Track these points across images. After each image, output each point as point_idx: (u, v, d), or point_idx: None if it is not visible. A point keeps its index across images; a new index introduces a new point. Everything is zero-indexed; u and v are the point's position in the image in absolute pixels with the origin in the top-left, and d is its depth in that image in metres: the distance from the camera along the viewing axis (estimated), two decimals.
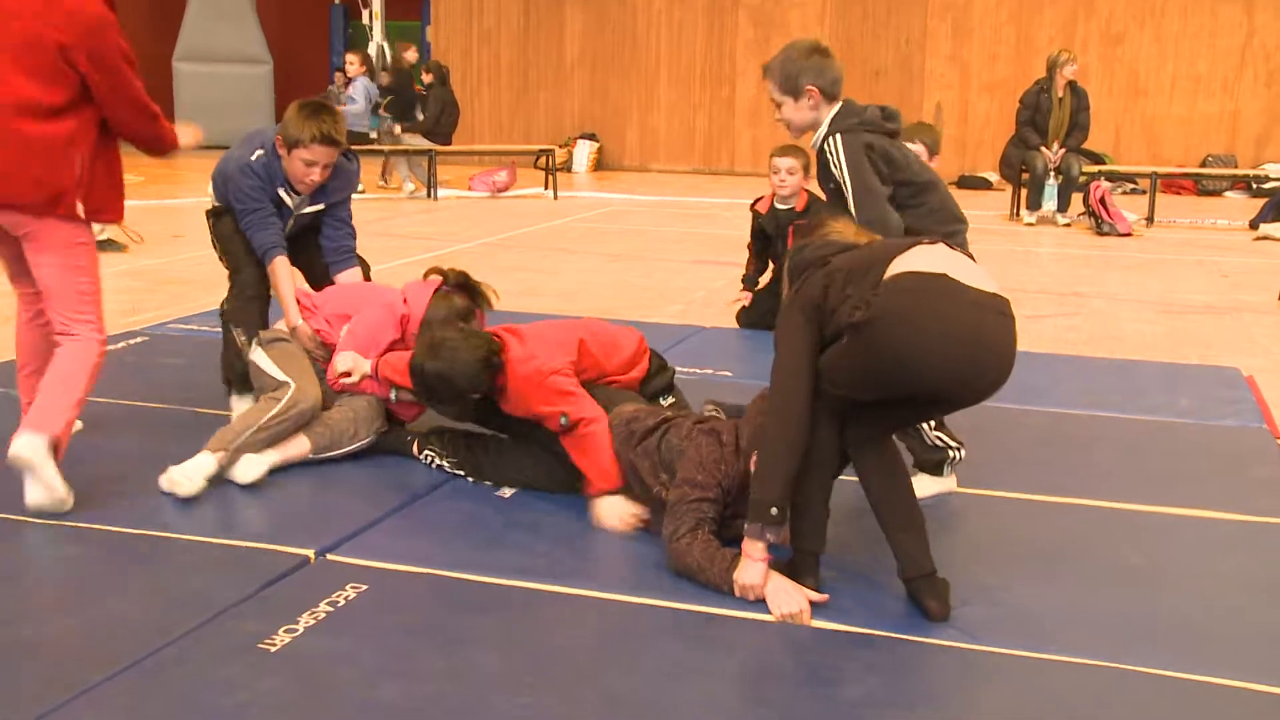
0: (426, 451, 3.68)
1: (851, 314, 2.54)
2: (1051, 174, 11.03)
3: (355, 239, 4.37)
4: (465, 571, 2.89)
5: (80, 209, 3.31)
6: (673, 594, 2.79)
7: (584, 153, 17.00)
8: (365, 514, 3.28)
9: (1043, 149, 10.95)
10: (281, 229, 4.15)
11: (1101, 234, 10.37)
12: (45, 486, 3.17)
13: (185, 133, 3.67)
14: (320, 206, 4.25)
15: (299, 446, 3.64)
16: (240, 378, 4.14)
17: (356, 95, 12.61)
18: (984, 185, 14.90)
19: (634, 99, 17.32)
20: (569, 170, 16.47)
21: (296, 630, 2.54)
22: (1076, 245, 9.81)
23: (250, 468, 3.51)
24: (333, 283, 4.29)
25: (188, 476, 3.38)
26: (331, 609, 2.65)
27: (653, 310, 6.56)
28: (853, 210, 3.29)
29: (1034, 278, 7.99)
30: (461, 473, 3.59)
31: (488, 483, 3.53)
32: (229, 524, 3.16)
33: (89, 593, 2.73)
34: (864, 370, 2.61)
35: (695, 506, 2.89)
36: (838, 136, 3.39)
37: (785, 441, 2.66)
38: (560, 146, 16.01)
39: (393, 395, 3.80)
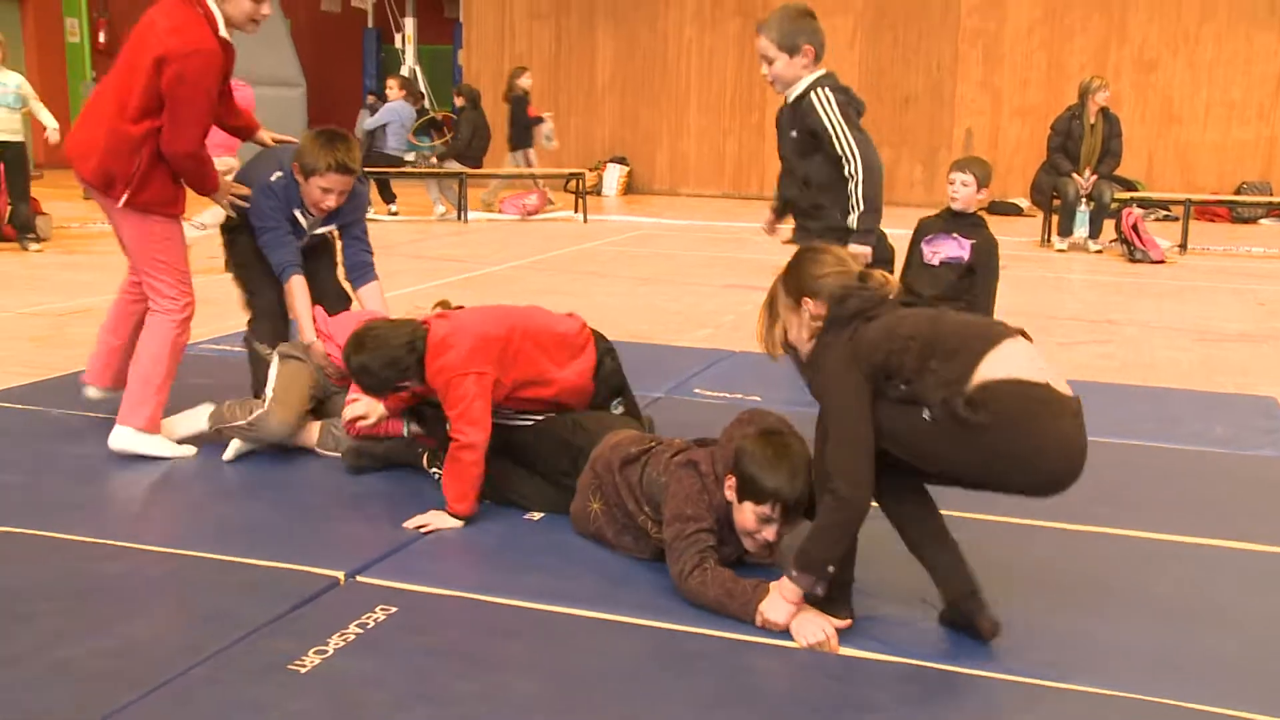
0: (434, 469, 3.70)
1: (950, 401, 2.51)
2: (1083, 200, 10.99)
3: (372, 254, 4.45)
4: (495, 595, 2.89)
5: (125, 199, 3.81)
6: (702, 620, 2.77)
7: (614, 176, 17.07)
8: (395, 536, 3.28)
9: (1074, 175, 10.90)
10: (298, 248, 4.25)
11: (1134, 261, 10.31)
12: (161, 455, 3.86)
13: (223, 192, 4.08)
14: (332, 227, 4.37)
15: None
16: None
17: (385, 116, 12.67)
18: (1015, 211, 14.86)
19: (664, 124, 17.38)
20: (599, 194, 16.54)
21: (326, 652, 2.54)
22: (1109, 272, 9.76)
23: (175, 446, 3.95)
24: (341, 299, 4.42)
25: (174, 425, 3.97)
26: (361, 631, 2.65)
27: (682, 334, 6.57)
28: (843, 150, 3.59)
29: (1066, 305, 7.95)
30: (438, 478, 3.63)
31: (486, 501, 3.52)
32: (259, 544, 3.17)
33: (121, 612, 2.74)
34: (960, 460, 2.58)
35: (694, 539, 2.88)
36: (827, 89, 3.72)
37: (856, 508, 2.61)
38: (590, 170, 16.08)
39: (405, 431, 3.87)
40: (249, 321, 4.46)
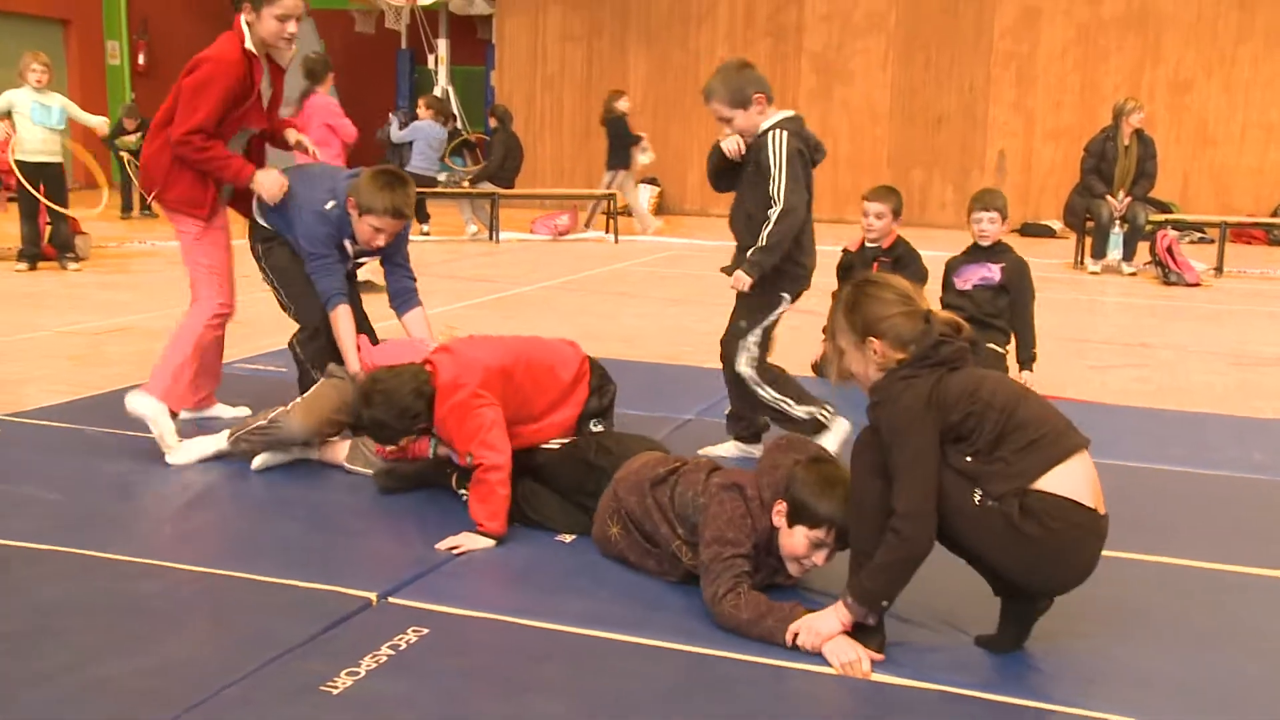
0: (463, 491, 3.71)
1: (1007, 501, 2.58)
2: (1117, 222, 10.92)
3: (415, 281, 4.53)
4: (527, 617, 2.89)
5: (155, 195, 4.33)
6: (736, 645, 2.77)
7: (645, 197, 17.10)
8: (426, 556, 3.29)
9: (1108, 197, 10.84)
10: (345, 276, 4.32)
11: (1169, 284, 10.24)
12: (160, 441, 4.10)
13: (269, 181, 4.28)
14: (375, 257, 4.45)
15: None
16: None
17: (411, 135, 12.71)
18: (1048, 233, 14.78)
19: (695, 144, 17.40)
20: (630, 214, 16.57)
21: (359, 673, 2.55)
22: (1143, 295, 9.69)
23: (182, 453, 4.09)
24: (363, 322, 4.46)
25: (187, 449, 4.10)
26: (393, 652, 2.66)
27: (712, 355, 6.50)
28: (774, 191, 4.01)
29: (1099, 327, 7.90)
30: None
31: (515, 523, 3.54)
32: (292, 564, 3.18)
33: (156, 631, 2.76)
34: (988, 546, 2.64)
35: (730, 564, 2.88)
36: (785, 132, 4.04)
37: (920, 549, 2.61)
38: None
39: (432, 452, 3.93)
40: (298, 334, 4.46)
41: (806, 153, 4.12)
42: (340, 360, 4.26)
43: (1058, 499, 2.58)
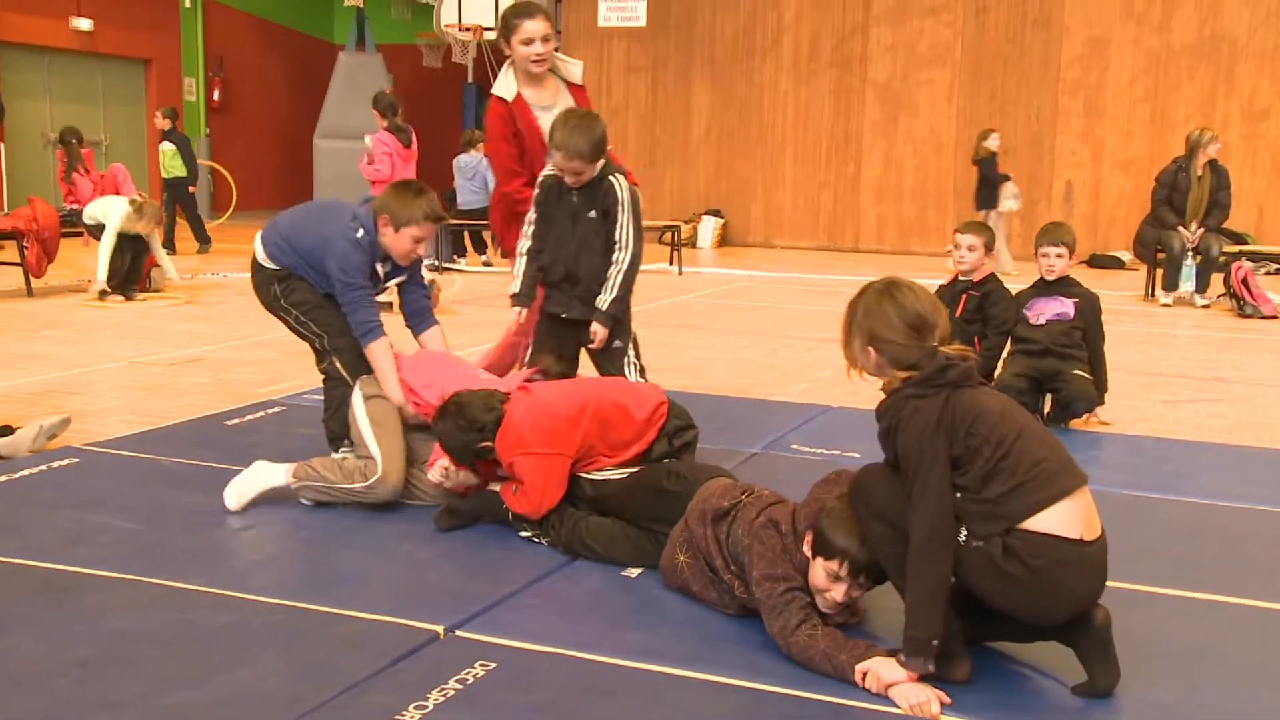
0: (522, 529, 3.73)
1: (990, 543, 2.61)
2: (1189, 254, 10.74)
3: (430, 298, 4.64)
4: (594, 652, 2.88)
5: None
6: (801, 683, 2.73)
7: (709, 228, 17.13)
8: (493, 590, 3.29)
9: (1180, 228, 10.66)
10: (377, 309, 4.31)
11: (1244, 316, 10.03)
12: None
13: None
14: (402, 277, 4.48)
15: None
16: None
17: (464, 166, 12.80)
18: (1116, 265, 14.58)
19: (759, 176, 17.43)
20: (694, 246, 16.61)
21: (426, 707, 2.55)
22: (1217, 328, 9.50)
23: (236, 495, 3.96)
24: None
25: (244, 488, 3.96)
26: (460, 686, 2.66)
27: (777, 388, 6.53)
28: (620, 237, 4.38)
29: (1172, 361, 7.75)
30: (545, 542, 3.67)
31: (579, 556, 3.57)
32: (360, 597, 3.20)
33: (226, 661, 2.78)
34: (975, 582, 2.67)
35: (793, 597, 2.87)
36: (621, 176, 4.44)
37: (942, 580, 2.61)
38: (685, 222, 16.16)
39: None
40: (339, 360, 4.39)
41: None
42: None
43: (1041, 537, 2.59)
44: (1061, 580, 2.61)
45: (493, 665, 2.78)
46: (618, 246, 4.45)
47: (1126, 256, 14.30)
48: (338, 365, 4.40)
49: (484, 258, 13.03)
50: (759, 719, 2.61)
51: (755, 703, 2.67)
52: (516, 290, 4.60)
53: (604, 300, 4.49)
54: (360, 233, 4.24)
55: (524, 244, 4.60)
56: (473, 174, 12.70)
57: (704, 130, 17.63)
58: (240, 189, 17.36)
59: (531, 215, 4.58)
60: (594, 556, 3.55)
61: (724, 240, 17.30)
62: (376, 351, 4.19)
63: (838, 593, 2.88)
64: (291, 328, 4.49)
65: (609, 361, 4.70)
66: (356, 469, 3.95)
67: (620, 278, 4.48)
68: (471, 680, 2.69)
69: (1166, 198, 10.77)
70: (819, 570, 2.88)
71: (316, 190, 17.05)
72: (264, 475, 3.99)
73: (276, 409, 5.51)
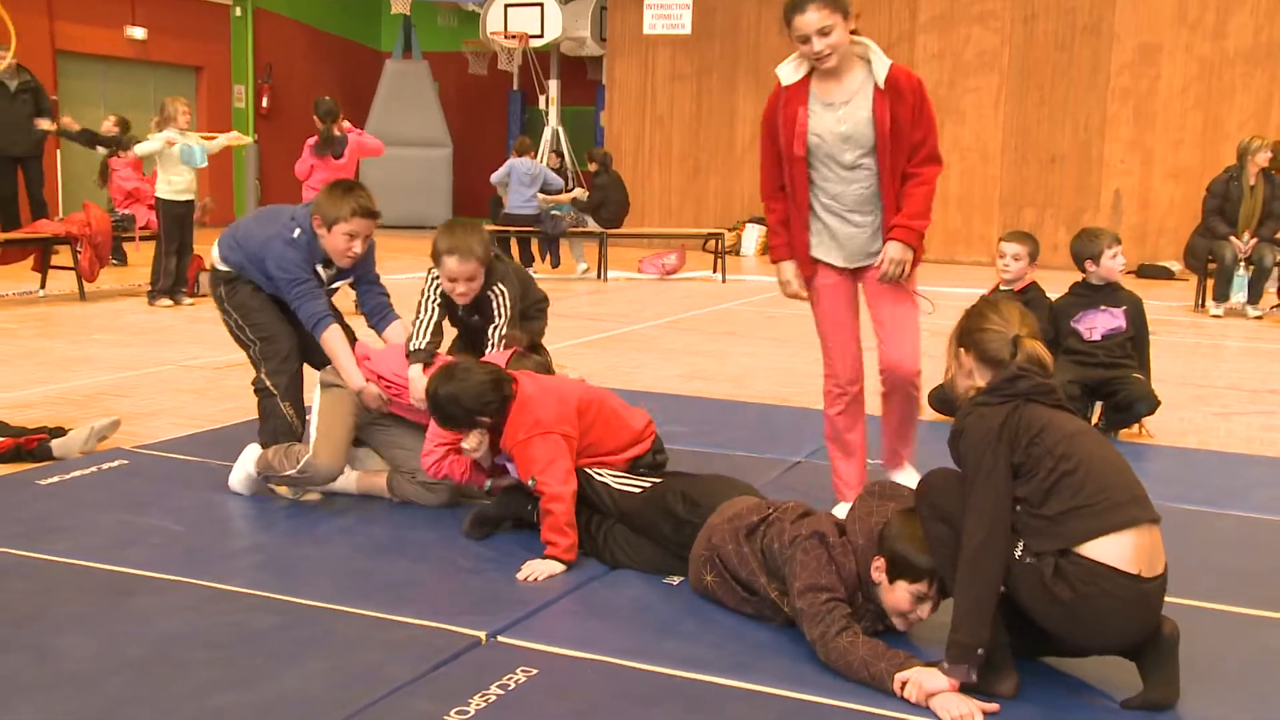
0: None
1: (1042, 561, 2.59)
2: (1241, 264, 10.58)
3: (389, 297, 4.59)
4: (636, 660, 2.88)
5: None
6: (840, 692, 2.72)
7: (753, 236, 17.10)
8: (535, 596, 3.30)
9: (1232, 238, 10.52)
10: (328, 300, 4.34)
11: None
12: None
13: None
14: (348, 280, 4.50)
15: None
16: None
17: (506, 173, 12.81)
18: (1166, 275, 14.41)
19: None
20: (737, 253, 16.58)
21: (468, 712, 2.56)
22: (1270, 339, 9.36)
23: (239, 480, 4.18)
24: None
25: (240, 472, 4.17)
26: (502, 692, 2.67)
27: (821, 397, 6.48)
28: (494, 339, 4.23)
29: (1223, 373, 7.64)
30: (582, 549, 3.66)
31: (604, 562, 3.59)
32: (403, 602, 3.22)
33: (272, 665, 2.81)
34: (1025, 600, 2.65)
35: (833, 606, 2.86)
36: (499, 285, 4.31)
37: (992, 588, 2.59)
38: (729, 230, 16.14)
39: (487, 485, 3.99)
40: (263, 372, 4.42)
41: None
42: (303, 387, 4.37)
43: (1094, 565, 2.55)
44: (1108, 612, 2.57)
45: (534, 671, 2.78)
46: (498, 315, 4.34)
47: (1176, 267, 14.12)
48: (263, 377, 4.43)
49: (531, 269, 13.06)
50: None
51: (799, 712, 2.66)
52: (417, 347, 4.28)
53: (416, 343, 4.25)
54: (296, 232, 4.27)
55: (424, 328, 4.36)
56: (531, 180, 12.73)
57: (749, 137, 17.60)
58: (287, 195, 17.56)
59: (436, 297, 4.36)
60: (617, 564, 3.56)
61: (768, 248, 17.25)
62: (329, 339, 4.21)
63: (923, 611, 2.88)
64: (231, 331, 4.51)
65: None
66: (297, 455, 4.05)
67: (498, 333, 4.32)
68: (513, 686, 2.70)
69: (1218, 207, 10.63)
70: (902, 593, 2.87)
71: None
72: (245, 460, 4.20)
73: None
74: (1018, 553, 2.61)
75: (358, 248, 4.27)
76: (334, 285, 4.49)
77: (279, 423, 4.37)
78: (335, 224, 4.20)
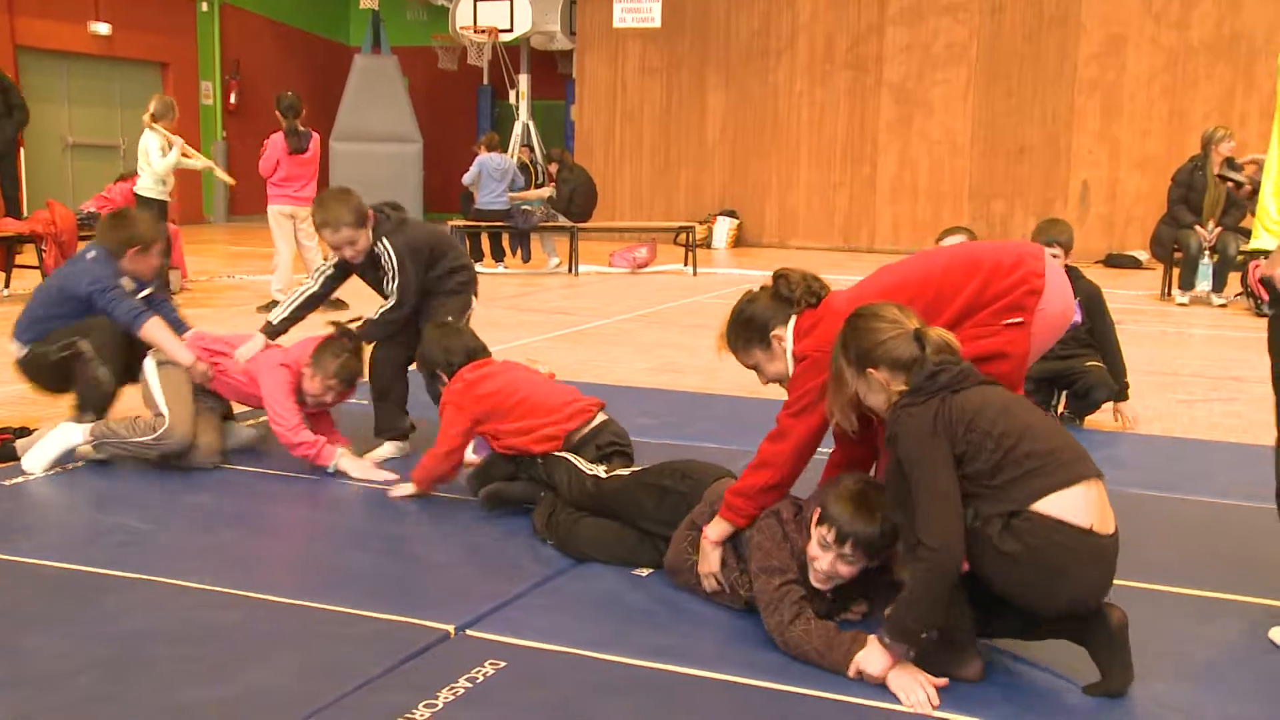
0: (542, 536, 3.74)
1: (989, 523, 2.59)
2: (1206, 253, 10.68)
3: (177, 311, 4.99)
4: (605, 651, 2.88)
5: None
6: (814, 682, 2.73)
7: (724, 229, 17.13)
8: (504, 589, 3.30)
9: (1197, 227, 10.61)
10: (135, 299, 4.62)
11: (1261, 315, 9.95)
12: None
13: None
14: (144, 294, 4.76)
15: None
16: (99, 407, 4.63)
17: (477, 170, 12.77)
18: (1133, 264, 14.52)
19: (774, 176, 17.41)
20: (709, 246, 16.60)
21: (436, 705, 2.56)
22: (1234, 327, 9.45)
23: (38, 458, 4.28)
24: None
25: (47, 450, 4.28)
26: (471, 685, 2.67)
27: None
28: (392, 290, 4.58)
29: (1187, 360, 7.71)
30: (542, 537, 3.69)
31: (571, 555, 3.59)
32: (371, 596, 3.21)
33: (237, 660, 2.79)
34: (977, 565, 2.64)
35: (786, 591, 2.89)
36: (385, 240, 4.60)
37: (946, 566, 2.59)
38: (700, 223, 16.15)
39: (469, 455, 4.22)
40: (87, 353, 4.61)
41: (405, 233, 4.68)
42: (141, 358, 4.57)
43: (1043, 518, 2.57)
44: (1062, 565, 2.58)
45: (503, 664, 2.78)
46: (390, 281, 4.64)
47: (1143, 256, 14.23)
48: (92, 364, 4.59)
49: (499, 266, 13.02)
50: (773, 719, 2.62)
51: (770, 702, 2.67)
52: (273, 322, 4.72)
53: (376, 313, 4.67)
54: (91, 254, 4.65)
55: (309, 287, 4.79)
56: (501, 175, 12.69)
57: (719, 131, 17.63)
58: (256, 192, 17.48)
59: (327, 267, 4.79)
60: (585, 557, 3.55)
61: (739, 241, 17.29)
62: (151, 329, 4.50)
63: (824, 561, 2.90)
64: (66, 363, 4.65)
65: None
66: (147, 425, 4.33)
67: (388, 310, 4.65)
68: (482, 679, 2.70)
69: (1183, 197, 10.73)
70: (813, 539, 2.92)
71: None
72: (67, 435, 4.31)
73: None
74: (970, 520, 2.60)
75: (155, 262, 4.77)
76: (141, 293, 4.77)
77: (90, 393, 4.60)
78: (131, 247, 4.63)
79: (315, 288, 4.74)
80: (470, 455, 4.22)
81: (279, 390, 4.37)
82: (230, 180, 10.86)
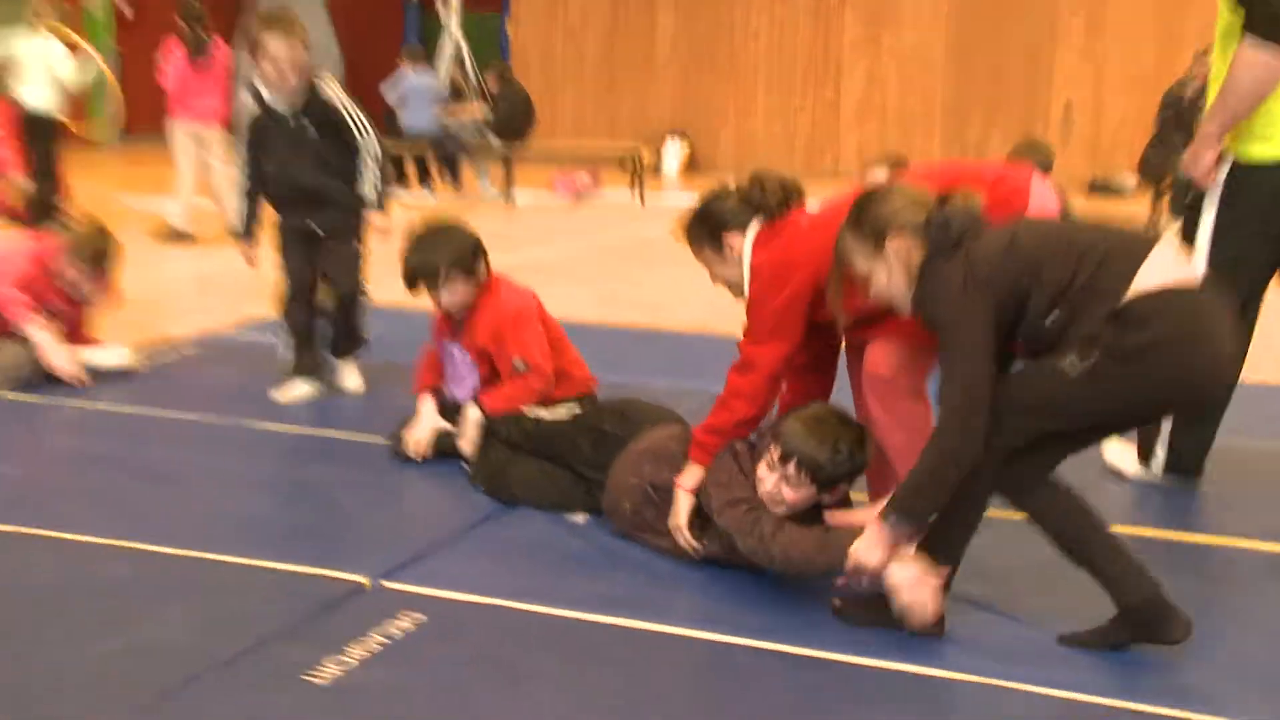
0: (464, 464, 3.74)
1: (1107, 324, 2.49)
2: None
3: None
4: (533, 602, 2.86)
5: None
6: (761, 633, 2.73)
7: (674, 153, 17.03)
8: (427, 537, 3.27)
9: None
10: None
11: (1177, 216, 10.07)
12: None
13: None
14: None
15: None
16: None
17: (399, 90, 12.58)
18: (1119, 192, 14.61)
19: (730, 100, 17.31)
20: (657, 172, 16.50)
21: (347, 662, 2.53)
22: None
23: None
24: None
25: None
26: (387, 640, 2.64)
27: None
28: (358, 128, 4.42)
29: None
30: (474, 480, 3.66)
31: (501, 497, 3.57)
32: (281, 546, 3.17)
33: (129, 615, 2.74)
34: (1113, 399, 2.56)
35: (757, 515, 2.89)
36: (325, 76, 4.46)
37: (963, 456, 2.56)
38: (648, 147, 16.03)
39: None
40: None
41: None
42: None
43: (1155, 293, 2.48)
44: (1204, 337, 2.50)
45: (422, 618, 2.75)
46: (360, 135, 4.46)
47: (1130, 183, 14.32)
48: None
49: (428, 189, 12.85)
50: (713, 673, 2.62)
51: (711, 654, 2.67)
52: (240, 229, 4.66)
53: (370, 190, 4.52)
54: None
55: (241, 185, 4.65)
56: (433, 97, 12.52)
57: (669, 50, 17.47)
58: (153, 115, 17.12)
59: (243, 154, 4.61)
60: (515, 500, 3.53)
61: (691, 166, 17.20)
62: None
63: (769, 482, 2.91)
64: None
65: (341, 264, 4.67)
66: None
67: (378, 167, 4.54)
68: (398, 634, 2.67)
69: (1174, 118, 10.77)
70: (763, 462, 2.93)
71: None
72: None
73: (193, 350, 5.44)
74: (1066, 364, 2.50)
75: None
76: None
77: None
78: None
79: (248, 184, 4.60)
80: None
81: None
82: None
